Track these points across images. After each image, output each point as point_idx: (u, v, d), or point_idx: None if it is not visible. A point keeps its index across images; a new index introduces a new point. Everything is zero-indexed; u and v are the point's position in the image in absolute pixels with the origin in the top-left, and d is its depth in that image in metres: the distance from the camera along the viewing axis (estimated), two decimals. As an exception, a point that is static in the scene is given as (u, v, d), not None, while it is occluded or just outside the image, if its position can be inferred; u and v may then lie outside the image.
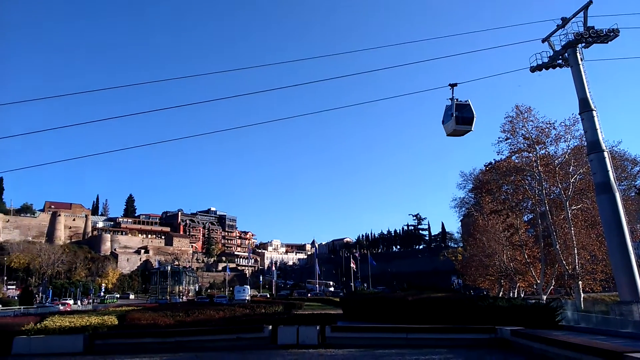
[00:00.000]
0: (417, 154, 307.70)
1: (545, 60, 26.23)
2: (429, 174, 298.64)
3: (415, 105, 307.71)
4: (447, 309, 21.06)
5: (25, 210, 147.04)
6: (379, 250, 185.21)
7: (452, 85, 18.56)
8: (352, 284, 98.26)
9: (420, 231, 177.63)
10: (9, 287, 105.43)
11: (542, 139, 31.93)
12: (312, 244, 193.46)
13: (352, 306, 30.84)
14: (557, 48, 25.74)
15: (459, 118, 18.71)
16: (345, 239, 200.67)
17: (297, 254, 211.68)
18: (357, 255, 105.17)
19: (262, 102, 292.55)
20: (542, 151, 32.36)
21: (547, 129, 31.71)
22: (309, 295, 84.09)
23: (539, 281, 34.58)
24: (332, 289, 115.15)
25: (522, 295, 41.97)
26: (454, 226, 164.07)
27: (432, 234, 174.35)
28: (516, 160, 34.39)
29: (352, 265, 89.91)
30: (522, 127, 32.21)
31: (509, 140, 32.81)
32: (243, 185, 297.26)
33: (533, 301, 24.02)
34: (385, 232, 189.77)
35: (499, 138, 33.10)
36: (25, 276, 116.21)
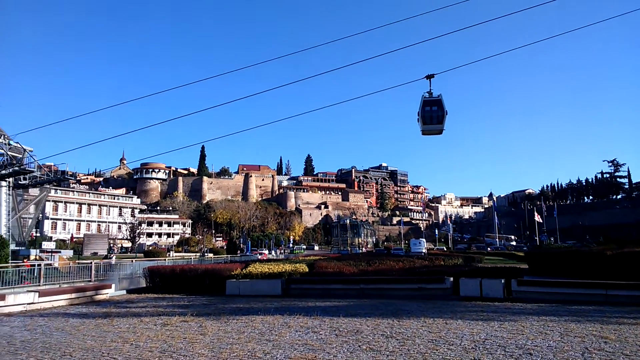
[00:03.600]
0: (608, 89, 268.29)
1: None
2: (626, 112, 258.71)
3: (596, 37, 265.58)
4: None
5: (224, 173, 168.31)
6: (567, 201, 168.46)
7: (429, 77, 15.67)
8: (537, 237, 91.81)
9: (618, 179, 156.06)
10: (216, 239, 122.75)
11: None
12: (490, 196, 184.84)
13: (539, 261, 28.85)
14: None
15: (426, 116, 16.14)
16: (527, 190, 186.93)
17: (473, 207, 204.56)
18: (542, 207, 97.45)
19: (431, 53, 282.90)
20: None
21: None
22: (489, 249, 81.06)
23: None
24: (513, 243, 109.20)
25: None
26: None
27: (634, 182, 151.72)
28: None
29: (536, 217, 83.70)
30: None
31: None
32: (413, 141, 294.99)
33: None
34: (575, 182, 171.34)
35: None
36: (228, 229, 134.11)
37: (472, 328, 10.65)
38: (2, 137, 42.12)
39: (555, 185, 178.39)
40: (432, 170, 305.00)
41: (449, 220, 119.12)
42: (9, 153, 39.83)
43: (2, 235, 31.60)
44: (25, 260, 26.29)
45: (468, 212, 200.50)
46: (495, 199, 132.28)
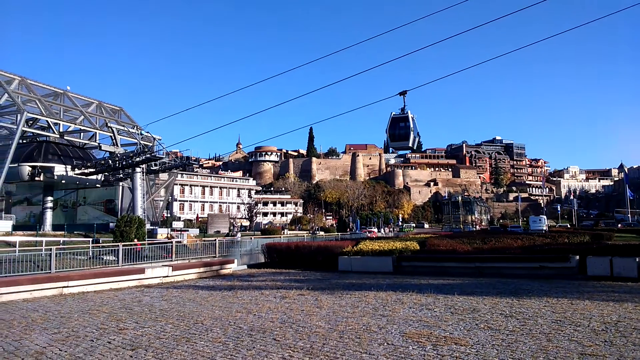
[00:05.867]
0: None
1: None
2: None
3: None
4: None
5: (331, 153, 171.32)
6: None
7: (402, 94, 15.52)
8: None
9: None
10: (326, 217, 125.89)
11: None
12: (620, 168, 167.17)
13: (683, 238, 25.86)
14: None
15: (393, 134, 16.18)
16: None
17: (600, 180, 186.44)
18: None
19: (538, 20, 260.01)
20: None
21: None
22: (619, 225, 73.65)
23: None
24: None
25: None
26: None
27: None
28: None
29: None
30: None
31: None
32: (530, 111, 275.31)
33: None
34: None
35: None
36: (337, 208, 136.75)
37: (601, 309, 9.90)
38: (135, 128, 46.83)
39: None
40: (553, 142, 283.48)
41: (572, 195, 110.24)
42: (141, 142, 44.28)
43: (139, 216, 35.33)
44: (135, 241, 24.96)
45: (594, 185, 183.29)
46: (626, 171, 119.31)
